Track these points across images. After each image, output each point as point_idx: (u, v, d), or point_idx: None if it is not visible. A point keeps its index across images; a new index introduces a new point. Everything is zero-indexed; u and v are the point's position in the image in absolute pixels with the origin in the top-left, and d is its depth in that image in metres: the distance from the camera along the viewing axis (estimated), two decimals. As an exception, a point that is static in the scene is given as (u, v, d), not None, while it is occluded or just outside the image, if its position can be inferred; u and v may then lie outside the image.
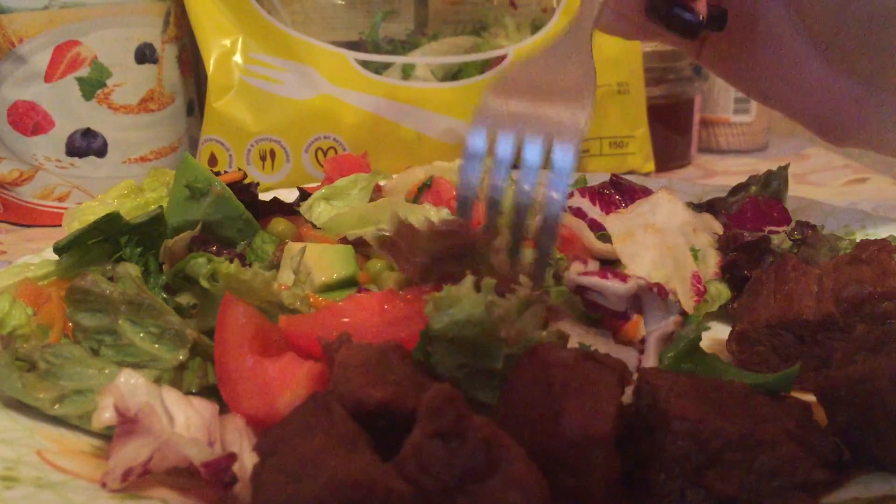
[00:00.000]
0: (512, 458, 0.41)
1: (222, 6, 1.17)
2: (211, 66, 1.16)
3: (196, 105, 1.30)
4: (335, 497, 0.39)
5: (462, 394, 0.43)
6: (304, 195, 0.87)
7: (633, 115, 1.26)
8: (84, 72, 1.11)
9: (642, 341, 0.63)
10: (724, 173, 1.35)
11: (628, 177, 0.88)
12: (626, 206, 0.83)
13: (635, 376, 0.52)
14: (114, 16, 1.12)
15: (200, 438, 0.51)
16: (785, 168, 0.90)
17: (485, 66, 1.22)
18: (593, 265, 0.67)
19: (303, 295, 0.63)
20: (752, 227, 0.82)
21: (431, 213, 0.74)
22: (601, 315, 0.65)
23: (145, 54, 1.16)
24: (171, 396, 0.53)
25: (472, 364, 0.53)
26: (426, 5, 1.29)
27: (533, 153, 0.60)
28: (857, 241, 0.69)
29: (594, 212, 0.82)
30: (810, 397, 0.53)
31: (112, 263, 0.67)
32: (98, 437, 0.55)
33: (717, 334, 0.71)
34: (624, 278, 0.62)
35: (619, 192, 0.84)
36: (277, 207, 0.82)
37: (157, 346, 0.58)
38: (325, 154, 1.18)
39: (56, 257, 0.71)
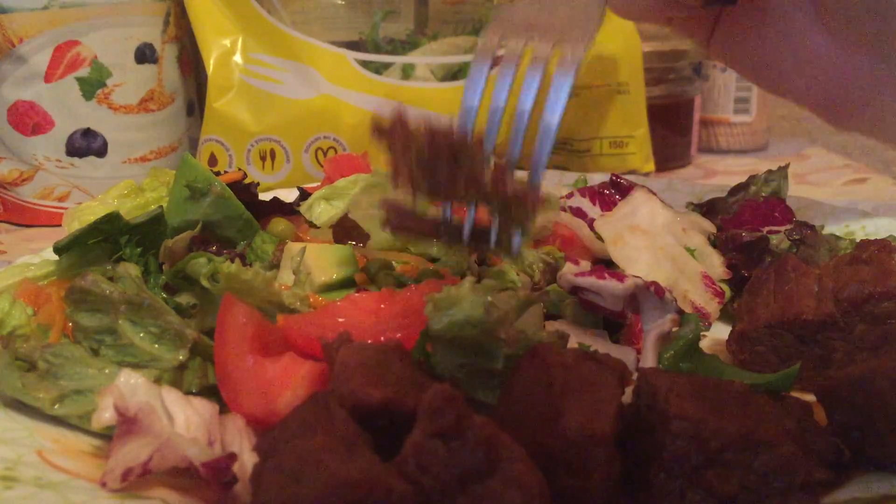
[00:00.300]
0: (512, 458, 0.41)
1: (222, 6, 1.17)
2: (211, 66, 1.16)
3: (196, 105, 1.30)
4: (335, 497, 0.39)
5: (462, 394, 0.43)
6: (304, 195, 0.87)
7: (633, 115, 1.26)
8: (84, 72, 1.11)
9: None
10: (724, 173, 1.35)
11: (628, 177, 0.88)
12: (626, 206, 0.83)
13: (635, 376, 0.52)
14: (114, 16, 1.12)
15: (200, 438, 0.51)
16: (785, 168, 0.90)
17: (485, 66, 1.22)
18: (585, 265, 0.67)
19: (303, 295, 0.63)
20: (749, 228, 0.82)
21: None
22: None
23: (145, 54, 1.16)
24: (171, 396, 0.53)
25: (471, 364, 0.53)
26: (426, 5, 1.29)
27: (537, 66, 0.61)
28: (857, 241, 0.69)
29: (594, 212, 0.82)
30: (810, 397, 0.53)
31: (112, 263, 0.67)
32: (98, 437, 0.55)
33: (717, 334, 0.71)
34: (621, 278, 0.62)
35: (619, 192, 0.84)
36: (277, 207, 0.82)
37: (157, 346, 0.58)
38: (325, 154, 1.18)
39: (56, 257, 0.70)
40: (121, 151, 1.16)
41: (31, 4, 1.07)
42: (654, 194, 0.83)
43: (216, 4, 1.17)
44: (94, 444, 0.55)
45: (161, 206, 0.74)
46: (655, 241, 0.75)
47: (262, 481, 0.42)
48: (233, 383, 0.54)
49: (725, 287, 0.75)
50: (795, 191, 0.95)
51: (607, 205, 0.83)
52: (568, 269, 0.65)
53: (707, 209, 0.89)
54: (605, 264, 0.73)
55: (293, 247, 0.70)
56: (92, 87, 1.12)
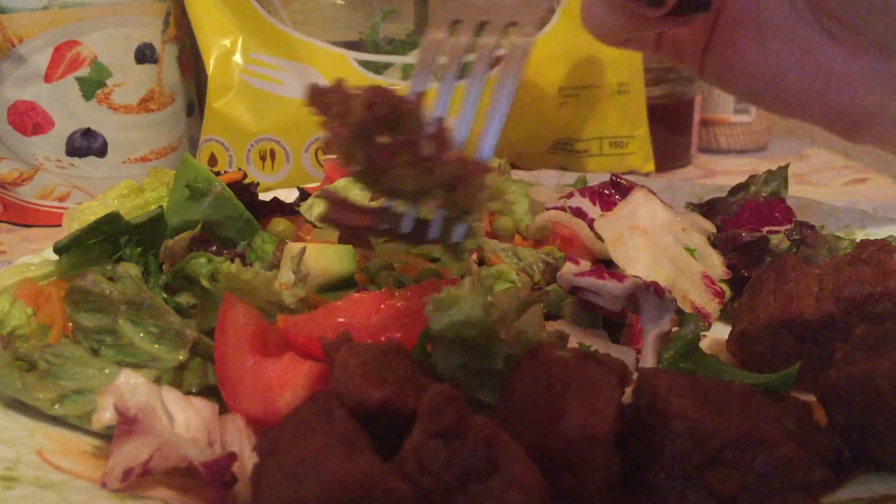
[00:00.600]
0: (512, 458, 0.41)
1: (222, 6, 1.17)
2: (211, 66, 1.16)
3: (196, 105, 1.30)
4: (335, 497, 0.39)
5: (462, 394, 0.43)
6: (304, 195, 0.87)
7: (633, 115, 1.26)
8: (84, 72, 1.11)
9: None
10: (724, 173, 1.35)
11: (628, 177, 0.88)
12: (626, 206, 0.83)
13: (635, 376, 0.52)
14: (114, 16, 1.12)
15: (200, 438, 0.51)
16: (785, 168, 0.90)
17: (485, 66, 1.22)
18: (585, 265, 0.67)
19: (303, 295, 0.63)
20: (750, 228, 0.82)
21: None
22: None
23: (145, 54, 1.16)
24: (171, 396, 0.53)
25: (472, 364, 0.53)
26: (426, 5, 1.29)
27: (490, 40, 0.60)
28: (857, 241, 0.69)
29: (594, 212, 0.82)
30: (810, 397, 0.53)
31: (112, 263, 0.67)
32: (98, 437, 0.55)
33: (717, 334, 0.71)
34: (621, 278, 0.62)
35: (619, 192, 0.84)
36: (277, 207, 0.82)
37: (156, 346, 0.58)
38: (325, 154, 1.18)
39: (56, 257, 0.70)
40: (121, 151, 1.16)
41: (31, 4, 1.07)
42: (654, 194, 0.83)
43: (216, 4, 1.17)
44: (94, 444, 0.55)
45: (161, 206, 0.74)
46: (655, 241, 0.76)
47: (262, 481, 0.42)
48: (233, 383, 0.54)
49: (725, 287, 0.75)
50: (795, 191, 0.95)
51: (607, 205, 0.83)
52: (568, 269, 0.65)
53: (707, 209, 0.89)
54: (605, 264, 0.73)
55: (293, 247, 0.70)
56: (92, 87, 1.12)
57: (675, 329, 0.63)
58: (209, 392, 0.57)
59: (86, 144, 1.13)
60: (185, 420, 0.51)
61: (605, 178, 0.87)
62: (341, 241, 0.70)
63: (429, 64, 0.61)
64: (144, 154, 1.18)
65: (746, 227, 0.82)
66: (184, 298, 0.66)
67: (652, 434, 0.48)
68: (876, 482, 0.48)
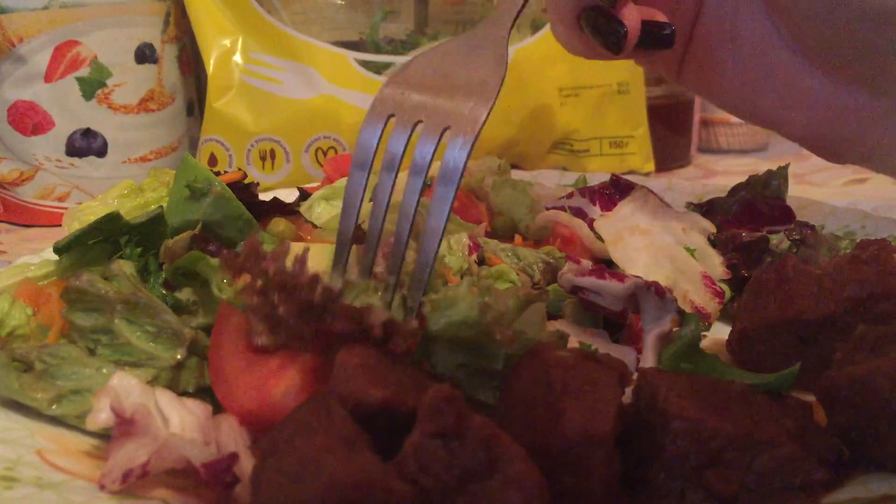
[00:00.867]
0: (512, 458, 0.41)
1: (222, 6, 1.17)
2: (211, 66, 1.16)
3: (196, 105, 1.30)
4: (335, 497, 0.39)
5: (462, 394, 0.43)
6: (304, 195, 0.87)
7: (633, 115, 1.26)
8: (84, 72, 1.11)
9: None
10: (724, 173, 1.35)
11: (628, 177, 0.88)
12: (626, 206, 0.83)
13: (635, 376, 0.52)
14: (114, 16, 1.12)
15: (196, 439, 0.50)
16: (785, 168, 0.90)
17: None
18: (586, 265, 0.67)
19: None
20: (750, 228, 0.82)
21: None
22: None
23: (145, 54, 1.16)
24: (165, 398, 0.52)
25: (471, 364, 0.53)
26: (426, 5, 1.29)
27: (425, 152, 0.56)
28: (857, 241, 0.69)
29: (594, 212, 0.82)
30: (810, 397, 0.53)
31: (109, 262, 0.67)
32: (98, 438, 0.55)
33: (717, 334, 0.71)
34: (621, 278, 0.62)
35: (619, 192, 0.84)
36: (277, 207, 0.82)
37: (153, 344, 0.58)
38: (325, 154, 1.18)
39: (56, 257, 0.70)
40: (121, 151, 1.16)
41: (31, 4, 1.07)
42: (654, 194, 0.83)
43: (216, 4, 1.17)
44: (93, 444, 0.55)
45: (161, 206, 0.74)
46: (655, 242, 0.75)
47: (262, 482, 0.42)
48: (226, 378, 0.53)
49: (725, 287, 0.75)
50: (795, 191, 0.95)
51: (607, 205, 0.83)
52: (568, 269, 0.65)
53: (707, 209, 0.89)
54: (605, 264, 0.73)
55: (293, 247, 0.70)
56: (92, 87, 1.12)
57: (675, 329, 0.63)
58: (205, 392, 0.57)
59: (86, 144, 1.13)
60: (179, 421, 0.51)
61: (605, 178, 0.87)
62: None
63: (363, 174, 0.59)
64: (144, 154, 1.18)
65: (746, 227, 0.82)
66: (184, 294, 0.66)
67: (652, 434, 0.48)
68: (876, 482, 0.48)
